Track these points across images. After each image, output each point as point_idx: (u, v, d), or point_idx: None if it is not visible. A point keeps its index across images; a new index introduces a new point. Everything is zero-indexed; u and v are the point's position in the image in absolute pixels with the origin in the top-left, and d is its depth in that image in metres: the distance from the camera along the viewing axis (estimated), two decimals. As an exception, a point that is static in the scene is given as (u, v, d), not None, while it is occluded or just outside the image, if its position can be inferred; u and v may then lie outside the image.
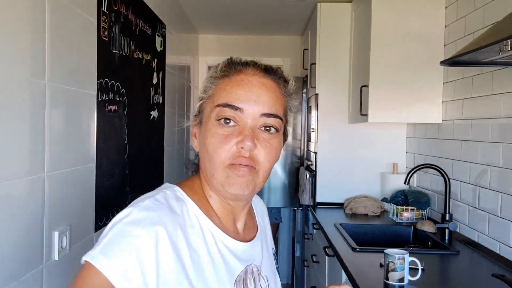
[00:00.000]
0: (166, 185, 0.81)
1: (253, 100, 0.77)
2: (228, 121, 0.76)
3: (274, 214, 3.85)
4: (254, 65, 0.81)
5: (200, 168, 0.83)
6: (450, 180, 2.33)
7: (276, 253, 0.97)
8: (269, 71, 0.81)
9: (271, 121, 0.78)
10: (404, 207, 2.66)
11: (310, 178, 3.24)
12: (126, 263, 0.66)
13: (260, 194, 3.57)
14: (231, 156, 0.75)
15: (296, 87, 0.86)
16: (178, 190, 0.79)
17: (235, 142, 0.75)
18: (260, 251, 0.86)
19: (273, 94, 0.79)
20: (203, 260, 0.73)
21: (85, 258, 0.68)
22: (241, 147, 0.75)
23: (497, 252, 1.91)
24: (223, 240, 0.78)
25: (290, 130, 0.87)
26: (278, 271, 0.94)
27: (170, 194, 0.77)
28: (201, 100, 0.82)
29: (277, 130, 0.79)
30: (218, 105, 0.77)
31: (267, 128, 0.78)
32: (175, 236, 0.71)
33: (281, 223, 4.22)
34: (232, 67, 0.80)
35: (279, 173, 3.85)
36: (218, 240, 0.77)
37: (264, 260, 0.86)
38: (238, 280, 0.77)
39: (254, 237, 0.87)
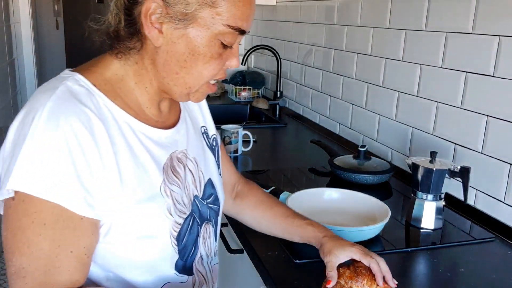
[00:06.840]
0: (65, 72, 0.72)
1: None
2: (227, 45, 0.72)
3: None
4: None
5: (143, 59, 0.73)
6: (282, 60, 2.51)
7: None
8: None
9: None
10: (242, 87, 2.82)
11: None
12: (62, 176, 0.62)
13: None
14: (216, 74, 0.74)
15: None
16: (81, 79, 0.70)
17: (225, 64, 0.74)
18: (185, 134, 0.84)
19: None
20: (126, 153, 0.70)
21: (12, 187, 0.61)
22: (226, 68, 0.75)
23: (317, 122, 2.20)
24: (143, 131, 0.74)
25: None
26: (213, 144, 0.93)
27: (72, 85, 0.68)
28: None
29: None
30: (230, 27, 0.69)
31: None
32: (97, 133, 0.66)
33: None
34: None
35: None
36: (137, 131, 0.73)
37: (190, 141, 0.84)
38: (166, 168, 0.76)
39: (178, 120, 0.84)
